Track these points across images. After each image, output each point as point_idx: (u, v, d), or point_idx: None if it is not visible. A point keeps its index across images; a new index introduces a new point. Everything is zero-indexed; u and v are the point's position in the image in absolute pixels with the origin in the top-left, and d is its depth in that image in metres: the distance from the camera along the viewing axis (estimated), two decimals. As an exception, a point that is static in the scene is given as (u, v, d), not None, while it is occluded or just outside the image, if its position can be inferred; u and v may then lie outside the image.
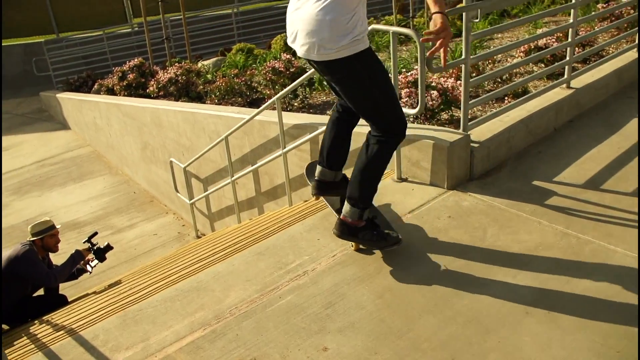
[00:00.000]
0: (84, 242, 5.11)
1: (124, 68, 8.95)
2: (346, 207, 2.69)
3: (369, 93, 2.46)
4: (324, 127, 3.81)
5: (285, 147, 4.30)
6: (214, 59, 9.74)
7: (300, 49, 2.41)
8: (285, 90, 4.10)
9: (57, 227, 4.88)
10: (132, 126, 8.03)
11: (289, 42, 2.51)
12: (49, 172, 10.05)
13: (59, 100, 12.31)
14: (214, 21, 15.20)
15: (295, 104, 5.64)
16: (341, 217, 2.70)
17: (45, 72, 15.18)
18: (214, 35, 14.66)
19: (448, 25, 2.26)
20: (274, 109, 4.77)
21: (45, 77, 15.36)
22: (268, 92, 5.83)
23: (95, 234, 5.19)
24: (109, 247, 5.10)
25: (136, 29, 15.85)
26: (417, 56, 6.39)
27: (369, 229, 2.72)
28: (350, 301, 2.47)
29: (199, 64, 9.33)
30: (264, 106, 4.42)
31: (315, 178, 2.97)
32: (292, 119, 4.50)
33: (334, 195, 3.04)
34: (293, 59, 5.78)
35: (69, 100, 11.48)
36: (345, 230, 2.70)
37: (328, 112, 5.15)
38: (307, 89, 5.74)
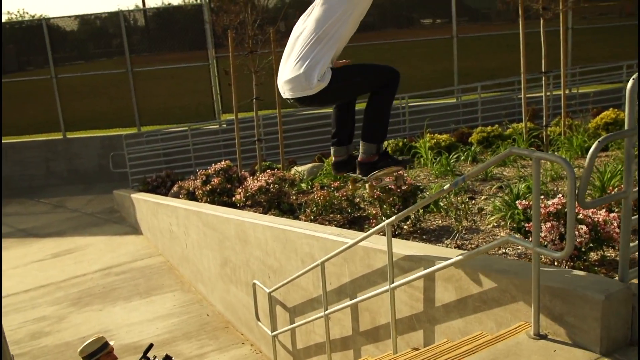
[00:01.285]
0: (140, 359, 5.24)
1: (209, 171, 9.44)
2: (363, 146, 3.87)
3: (356, 84, 3.75)
4: (441, 263, 3.79)
5: (393, 282, 4.27)
6: (310, 165, 10.09)
7: (292, 96, 3.70)
8: (399, 214, 4.14)
9: (111, 343, 5.03)
10: (213, 238, 8.32)
11: (282, 95, 3.77)
12: (114, 282, 10.49)
13: (133, 200, 13.06)
14: (311, 121, 15.90)
15: (405, 227, 5.66)
16: (359, 159, 3.87)
17: (121, 168, 16.31)
18: (311, 138, 15.28)
19: None
20: (381, 233, 4.80)
21: (121, 174, 16.49)
22: (374, 212, 5.90)
23: (151, 346, 5.32)
24: (168, 359, 5.18)
25: (224, 126, 16.86)
26: (553, 174, 6.32)
27: (384, 159, 3.90)
28: None
29: (292, 171, 9.68)
30: (371, 231, 4.46)
31: (333, 160, 4.13)
32: (403, 248, 4.49)
33: (350, 171, 4.12)
34: (405, 174, 5.88)
35: (144, 202, 12.15)
36: (365, 169, 3.89)
37: (446, 240, 5.12)
38: (420, 210, 5.77)
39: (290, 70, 3.65)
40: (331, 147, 4.09)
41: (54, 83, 18.18)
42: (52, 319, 9.32)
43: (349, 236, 5.27)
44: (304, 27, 3.70)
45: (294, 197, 8.21)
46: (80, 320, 9.15)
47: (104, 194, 16.60)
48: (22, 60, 19.83)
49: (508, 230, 5.08)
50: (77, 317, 9.28)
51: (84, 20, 19.58)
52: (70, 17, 18.88)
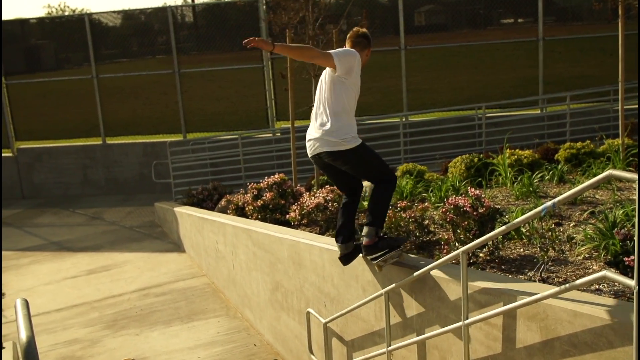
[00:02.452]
0: None
1: (261, 185, 9.52)
2: (365, 230, 5.34)
3: (369, 163, 5.41)
4: (524, 298, 3.73)
5: (467, 318, 4.21)
6: (373, 181, 10.05)
7: (322, 150, 5.40)
8: (477, 242, 4.08)
9: None
10: (263, 260, 8.38)
11: (309, 154, 5.58)
12: (153, 304, 10.66)
13: (176, 214, 13.29)
14: (375, 132, 15.90)
15: (481, 255, 5.58)
16: (363, 243, 5.36)
17: (164, 178, 16.64)
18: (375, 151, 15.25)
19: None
20: (454, 261, 4.75)
21: (164, 185, 16.82)
22: (446, 236, 5.85)
23: None
24: None
25: (278, 135, 17.01)
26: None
27: (382, 239, 5.36)
28: None
29: (353, 186, 9.67)
30: (443, 259, 4.41)
31: (340, 256, 5.73)
32: (480, 279, 4.43)
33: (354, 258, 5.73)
34: (482, 195, 5.80)
35: (188, 217, 12.34)
36: (370, 250, 5.36)
37: (528, 272, 5.02)
38: (500, 237, 5.68)
39: (318, 129, 5.44)
40: (338, 245, 5.69)
41: (95, 83, 18.68)
42: (85, 342, 9.52)
43: (417, 264, 5.23)
44: (319, 95, 5.56)
45: (355, 217, 8.19)
46: (115, 345, 9.31)
47: (145, 206, 16.94)
48: (60, 58, 20.48)
49: (602, 264, 4.95)
50: (112, 342, 9.45)
51: (128, 16, 20.12)
52: (113, 12, 19.42)
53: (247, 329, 9.41)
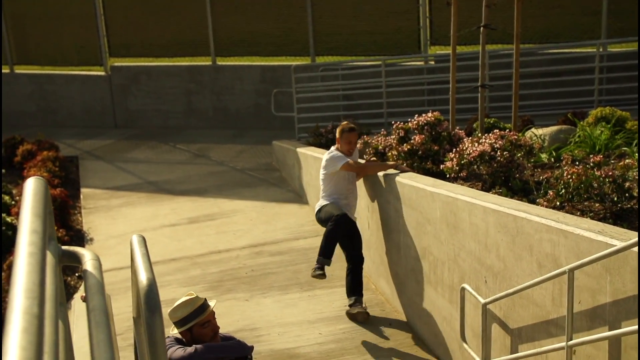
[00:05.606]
0: None
1: (409, 125, 9.46)
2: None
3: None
4: None
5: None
6: (555, 128, 9.84)
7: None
8: None
9: (211, 304, 5.27)
10: (408, 219, 8.36)
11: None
12: (267, 265, 10.87)
13: (299, 157, 13.44)
14: (560, 65, 15.38)
15: (703, 231, 5.33)
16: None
17: (286, 111, 16.77)
18: (558, 89, 14.78)
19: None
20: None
21: (285, 120, 16.98)
22: (655, 203, 5.64)
23: None
24: None
25: (432, 63, 16.78)
26: None
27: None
28: None
29: (528, 134, 9.47)
30: (654, 232, 4.23)
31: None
32: None
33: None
34: None
35: (314, 161, 12.45)
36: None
37: None
38: None
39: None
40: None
41: (207, -11, 18.85)
42: (185, 305, 9.85)
43: (616, 235, 5.05)
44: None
45: (529, 172, 8.03)
46: (220, 310, 9.42)
47: (260, 145, 17.19)
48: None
49: None
50: (217, 306, 9.66)
51: None
52: None
53: (381, 303, 9.47)
